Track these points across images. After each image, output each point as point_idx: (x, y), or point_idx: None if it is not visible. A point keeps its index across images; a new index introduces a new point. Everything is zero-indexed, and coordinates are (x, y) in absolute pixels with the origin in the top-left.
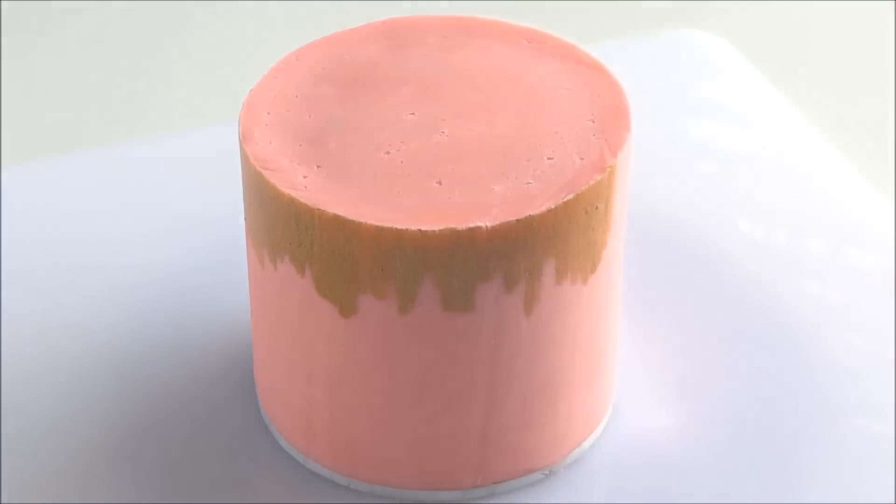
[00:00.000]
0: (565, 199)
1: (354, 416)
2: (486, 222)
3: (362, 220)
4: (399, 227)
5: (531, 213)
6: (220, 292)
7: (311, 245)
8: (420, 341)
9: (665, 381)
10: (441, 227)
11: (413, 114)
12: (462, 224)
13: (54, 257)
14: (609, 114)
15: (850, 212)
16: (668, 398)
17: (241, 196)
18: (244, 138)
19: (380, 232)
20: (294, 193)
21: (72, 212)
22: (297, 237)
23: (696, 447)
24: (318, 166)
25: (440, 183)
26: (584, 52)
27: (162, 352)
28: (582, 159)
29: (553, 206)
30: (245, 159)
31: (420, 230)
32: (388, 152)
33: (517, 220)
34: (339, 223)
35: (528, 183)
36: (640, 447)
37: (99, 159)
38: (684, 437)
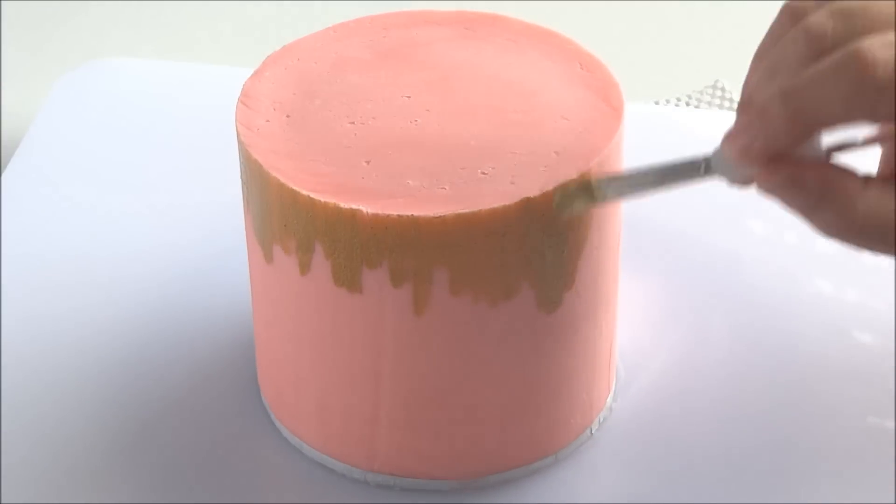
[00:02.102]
0: (458, 212)
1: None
2: (367, 208)
3: (273, 172)
4: (297, 188)
5: (415, 214)
6: (221, 284)
7: (247, 185)
8: (314, 309)
9: (669, 380)
10: (329, 199)
11: (408, 97)
12: (347, 203)
13: (54, 253)
14: (587, 141)
15: None
16: (670, 397)
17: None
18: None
19: (281, 187)
20: (246, 133)
21: (72, 205)
22: (243, 175)
23: (700, 446)
24: (287, 116)
25: (368, 163)
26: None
27: (162, 344)
28: (512, 183)
29: (443, 215)
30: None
31: (310, 196)
32: (353, 122)
33: (399, 216)
34: (258, 169)
35: (443, 188)
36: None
37: (98, 154)
38: (686, 436)
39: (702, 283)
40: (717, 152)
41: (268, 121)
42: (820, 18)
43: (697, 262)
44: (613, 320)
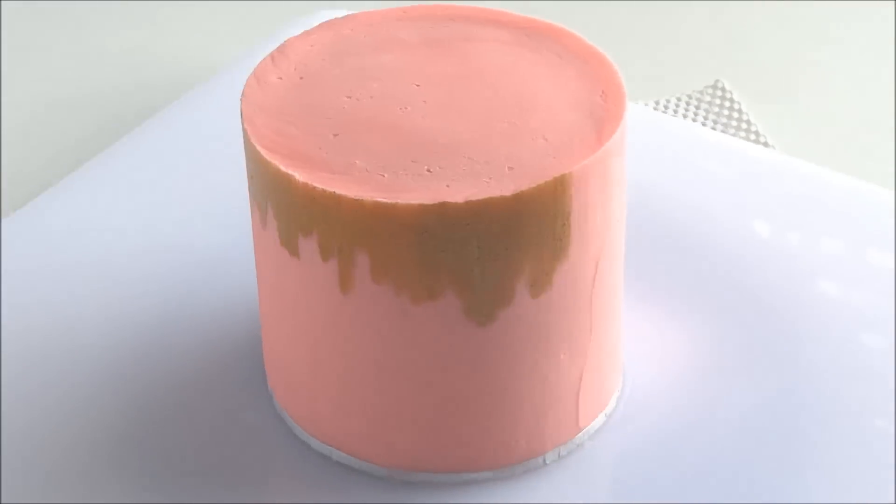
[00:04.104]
0: (377, 200)
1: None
2: (301, 176)
3: (246, 124)
4: (255, 143)
5: (338, 192)
6: (229, 276)
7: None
8: (271, 268)
9: (673, 381)
10: (273, 159)
11: (418, 85)
12: (287, 167)
13: (57, 250)
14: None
15: (866, 211)
16: (670, 398)
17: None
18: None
19: (248, 141)
20: (252, 84)
21: (75, 203)
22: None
23: (700, 447)
24: (301, 77)
25: (335, 136)
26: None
27: (168, 339)
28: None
29: (361, 198)
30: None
31: (259, 152)
32: (349, 97)
33: (323, 190)
34: (243, 121)
35: (382, 175)
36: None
37: (99, 148)
38: (686, 437)
39: (705, 283)
40: None
41: (280, 77)
42: None
43: (700, 263)
44: (591, 345)
